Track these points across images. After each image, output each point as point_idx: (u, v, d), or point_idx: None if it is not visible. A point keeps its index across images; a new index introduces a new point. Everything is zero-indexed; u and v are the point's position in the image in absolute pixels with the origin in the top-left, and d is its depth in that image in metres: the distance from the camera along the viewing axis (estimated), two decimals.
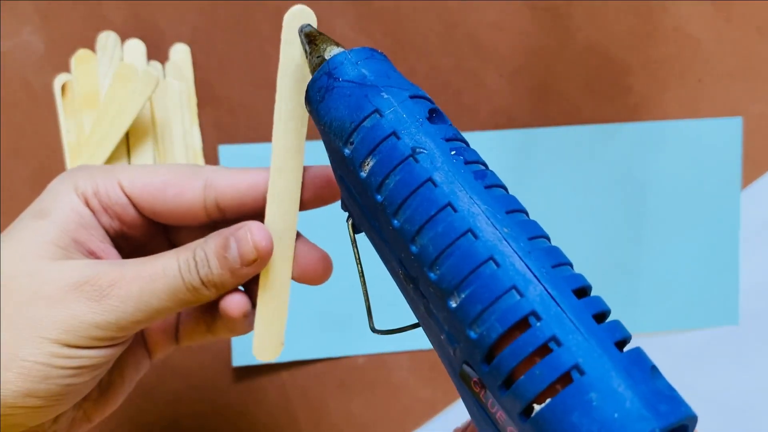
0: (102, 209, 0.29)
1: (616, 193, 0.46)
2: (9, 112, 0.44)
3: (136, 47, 0.44)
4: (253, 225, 0.28)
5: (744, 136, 0.47)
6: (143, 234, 0.31)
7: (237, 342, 0.45)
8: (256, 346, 0.30)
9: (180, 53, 0.44)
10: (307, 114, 0.28)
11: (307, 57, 0.28)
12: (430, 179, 0.23)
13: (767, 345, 0.48)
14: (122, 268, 0.28)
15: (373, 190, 0.24)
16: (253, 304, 0.30)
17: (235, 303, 0.30)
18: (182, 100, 0.44)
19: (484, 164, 0.25)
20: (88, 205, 0.29)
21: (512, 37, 0.46)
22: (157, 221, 0.30)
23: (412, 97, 0.25)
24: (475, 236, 0.22)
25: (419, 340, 0.46)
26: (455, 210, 0.23)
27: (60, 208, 0.28)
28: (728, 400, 0.48)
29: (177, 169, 0.30)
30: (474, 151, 0.25)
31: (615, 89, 0.46)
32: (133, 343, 0.32)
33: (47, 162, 0.45)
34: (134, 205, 0.30)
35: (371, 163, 0.25)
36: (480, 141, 0.46)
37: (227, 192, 0.29)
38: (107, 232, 0.30)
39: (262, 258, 0.28)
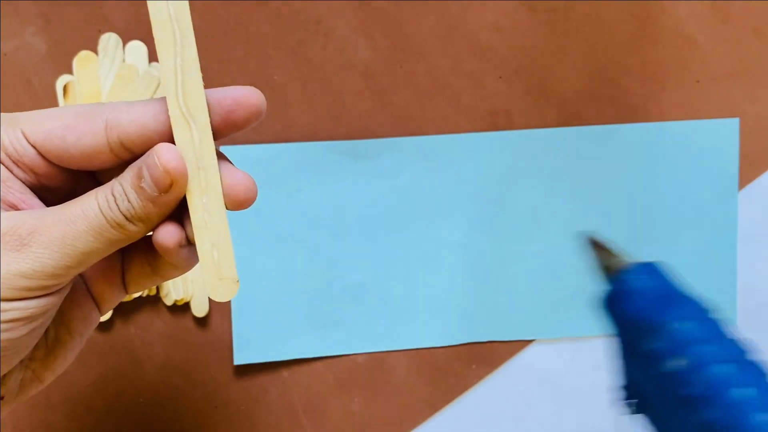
0: (12, 162, 0.28)
1: (615, 193, 0.47)
2: (11, 112, 0.45)
3: (138, 49, 0.44)
4: (159, 147, 0.27)
5: (741, 137, 0.47)
6: (64, 183, 0.30)
7: (238, 341, 0.45)
8: (209, 287, 0.29)
9: None
10: (191, 25, 0.27)
11: (597, 263, 0.32)
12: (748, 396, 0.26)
13: (765, 344, 0.49)
14: (42, 215, 0.27)
15: (681, 386, 0.27)
16: (190, 240, 0.29)
17: (167, 233, 0.28)
18: None
19: None
20: None
21: (511, 38, 0.46)
22: (70, 168, 0.29)
23: (704, 311, 0.29)
24: None
25: (419, 340, 0.47)
26: None
27: None
28: None
29: (77, 112, 0.28)
30: None
31: (613, 90, 0.46)
32: (78, 295, 0.31)
33: None
34: (41, 155, 0.28)
35: (682, 362, 0.28)
36: (479, 142, 0.46)
37: (130, 129, 0.27)
38: (25, 184, 0.29)
39: (177, 180, 0.27)
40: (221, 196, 0.28)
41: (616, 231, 0.47)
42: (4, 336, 0.26)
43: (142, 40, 0.44)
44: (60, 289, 0.28)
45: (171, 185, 0.27)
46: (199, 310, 0.45)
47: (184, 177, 0.27)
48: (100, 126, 0.28)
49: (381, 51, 0.46)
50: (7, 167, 0.28)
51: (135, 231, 0.27)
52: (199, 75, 0.27)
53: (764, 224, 0.48)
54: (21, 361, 0.29)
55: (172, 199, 0.27)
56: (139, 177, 0.27)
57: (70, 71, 0.44)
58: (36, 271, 0.26)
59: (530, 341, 0.47)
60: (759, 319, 0.48)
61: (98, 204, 0.27)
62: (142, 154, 0.28)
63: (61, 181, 0.29)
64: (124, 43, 0.44)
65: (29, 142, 0.28)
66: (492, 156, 0.46)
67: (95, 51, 0.44)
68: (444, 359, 0.47)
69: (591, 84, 0.46)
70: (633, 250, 0.47)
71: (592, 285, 0.47)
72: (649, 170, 0.46)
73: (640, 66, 0.46)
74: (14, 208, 0.28)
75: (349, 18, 0.45)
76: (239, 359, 0.45)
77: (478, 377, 0.47)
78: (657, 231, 0.47)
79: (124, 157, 0.28)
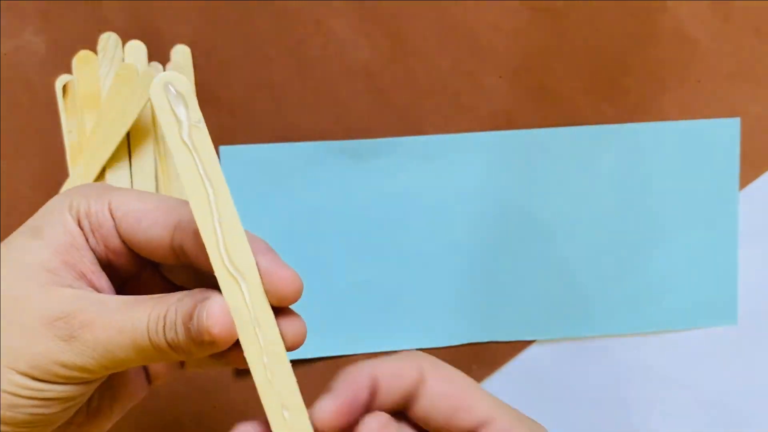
0: (91, 231, 0.28)
1: (615, 193, 0.47)
2: (10, 112, 0.45)
3: (137, 48, 0.44)
4: (213, 305, 0.26)
5: (742, 137, 0.47)
6: (129, 266, 0.30)
7: None
8: None
9: (180, 54, 0.45)
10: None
11: None
12: None
13: (766, 344, 0.49)
14: (98, 311, 0.27)
15: None
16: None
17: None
18: None
19: None
20: (80, 224, 0.28)
21: (511, 38, 0.46)
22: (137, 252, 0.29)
23: None
24: None
25: (419, 340, 0.47)
26: None
27: (53, 228, 0.28)
28: (727, 399, 0.49)
29: (162, 201, 0.28)
30: None
31: (614, 90, 0.46)
32: (130, 372, 0.32)
33: (48, 162, 0.45)
34: (117, 230, 0.29)
35: None
36: (479, 142, 0.46)
37: (192, 240, 0.27)
38: (96, 256, 0.29)
39: (218, 341, 0.26)
40: (284, 352, 0.27)
41: (617, 231, 0.47)
42: (38, 411, 0.27)
43: (141, 39, 0.44)
44: (97, 380, 0.28)
45: (211, 343, 0.26)
46: None
47: (227, 340, 0.26)
48: (171, 221, 0.27)
49: (381, 51, 0.46)
50: (85, 233, 0.28)
51: (175, 358, 0.27)
52: (242, 230, 0.26)
53: (765, 224, 0.48)
54: (59, 426, 0.29)
55: (216, 349, 0.27)
56: (191, 317, 0.26)
57: (69, 71, 0.44)
58: (76, 364, 0.27)
59: (531, 342, 0.47)
60: (761, 319, 0.48)
61: (148, 324, 0.27)
62: (200, 268, 0.27)
63: (126, 263, 0.30)
64: (124, 42, 0.44)
65: (111, 215, 0.28)
66: (492, 156, 0.46)
67: (95, 50, 0.44)
68: (444, 359, 0.47)
69: (591, 83, 0.46)
70: (634, 251, 0.47)
71: (592, 285, 0.47)
72: (650, 170, 0.46)
73: (641, 66, 0.46)
74: (84, 278, 0.28)
75: (349, 18, 0.45)
76: None
77: (479, 378, 0.47)
78: (658, 231, 0.47)
79: (183, 260, 0.28)
